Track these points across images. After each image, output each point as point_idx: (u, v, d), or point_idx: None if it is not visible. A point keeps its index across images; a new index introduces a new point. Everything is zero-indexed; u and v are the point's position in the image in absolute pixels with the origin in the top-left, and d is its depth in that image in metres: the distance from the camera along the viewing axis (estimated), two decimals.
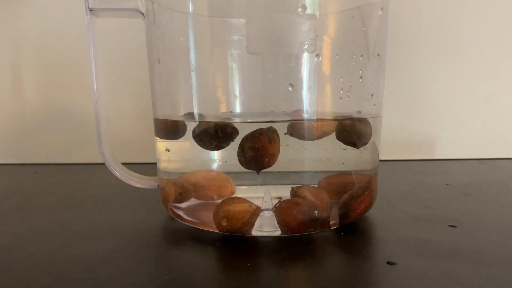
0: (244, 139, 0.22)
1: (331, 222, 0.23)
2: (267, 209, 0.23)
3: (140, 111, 0.49)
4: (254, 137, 0.22)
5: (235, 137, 0.22)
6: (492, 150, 0.50)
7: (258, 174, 0.22)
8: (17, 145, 0.50)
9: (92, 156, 0.48)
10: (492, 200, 0.30)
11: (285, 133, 0.22)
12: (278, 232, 0.22)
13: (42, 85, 0.49)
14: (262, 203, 0.22)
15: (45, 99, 0.49)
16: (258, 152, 0.22)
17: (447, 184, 0.35)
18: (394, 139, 0.49)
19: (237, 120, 0.23)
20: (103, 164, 0.27)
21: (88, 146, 0.49)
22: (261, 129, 0.22)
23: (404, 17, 0.48)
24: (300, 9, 0.21)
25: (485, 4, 0.48)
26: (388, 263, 0.19)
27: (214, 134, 0.22)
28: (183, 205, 0.25)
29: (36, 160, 0.49)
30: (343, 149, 0.24)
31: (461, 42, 0.48)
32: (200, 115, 0.23)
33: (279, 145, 0.22)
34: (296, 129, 0.22)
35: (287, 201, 0.22)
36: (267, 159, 0.22)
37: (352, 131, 0.24)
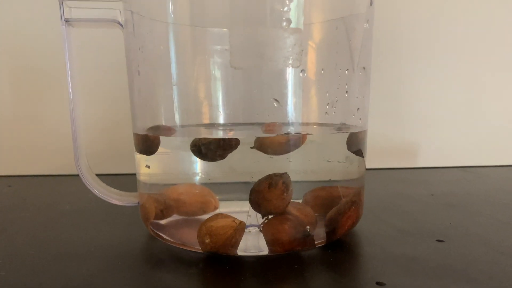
0: (257, 181, 0.21)
1: (319, 241, 0.23)
2: (252, 225, 0.22)
3: (119, 119, 0.47)
4: (260, 179, 0.21)
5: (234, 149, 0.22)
6: (474, 158, 0.50)
7: (262, 219, 0.22)
8: None
9: (70, 167, 0.47)
10: (477, 211, 0.30)
11: (252, 147, 0.22)
12: (264, 252, 0.22)
13: (16, 93, 0.47)
14: (246, 217, 0.22)
15: (19, 108, 0.47)
16: (256, 195, 0.21)
17: (431, 195, 0.35)
18: (375, 147, 0.49)
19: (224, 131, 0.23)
20: None
21: (65, 156, 0.47)
22: (274, 174, 0.21)
23: (385, 25, 0.48)
24: (285, 23, 0.20)
25: (464, 13, 0.48)
26: (377, 283, 0.19)
27: (215, 147, 0.22)
28: (165, 222, 0.24)
29: (10, 172, 0.47)
30: (328, 161, 0.23)
31: (443, 50, 0.49)
32: (182, 127, 0.23)
33: (281, 192, 0.21)
34: (267, 143, 0.22)
35: (276, 217, 0.22)
36: (263, 204, 0.21)
37: (361, 142, 0.24)
